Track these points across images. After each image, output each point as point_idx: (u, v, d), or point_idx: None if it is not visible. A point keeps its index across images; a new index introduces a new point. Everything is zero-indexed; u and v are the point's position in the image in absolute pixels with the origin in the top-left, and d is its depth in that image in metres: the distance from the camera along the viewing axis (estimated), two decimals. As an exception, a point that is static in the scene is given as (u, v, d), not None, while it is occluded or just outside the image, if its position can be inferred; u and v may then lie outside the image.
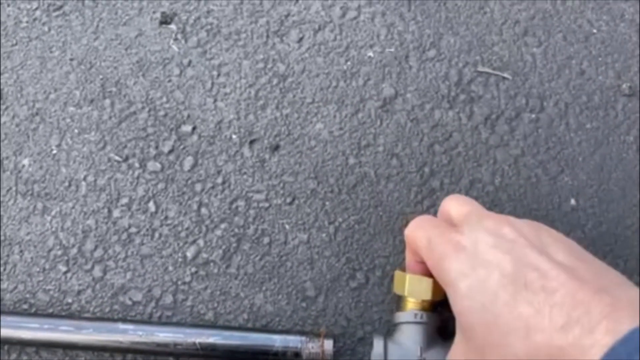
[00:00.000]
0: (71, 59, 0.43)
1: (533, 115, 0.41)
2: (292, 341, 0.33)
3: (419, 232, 0.30)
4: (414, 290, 0.33)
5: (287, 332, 0.34)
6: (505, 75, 0.42)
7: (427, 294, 0.32)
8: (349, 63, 0.43)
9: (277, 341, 0.33)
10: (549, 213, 0.39)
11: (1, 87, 0.42)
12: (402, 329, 0.33)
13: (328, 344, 0.33)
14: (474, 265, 0.26)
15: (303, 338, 0.33)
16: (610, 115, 0.41)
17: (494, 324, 0.24)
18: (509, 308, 0.24)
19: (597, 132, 0.41)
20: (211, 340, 0.33)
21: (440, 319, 0.34)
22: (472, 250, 0.27)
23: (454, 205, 0.31)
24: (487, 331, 0.25)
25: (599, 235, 0.38)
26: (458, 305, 0.26)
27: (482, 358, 0.26)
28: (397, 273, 0.34)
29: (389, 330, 0.35)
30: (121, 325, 0.34)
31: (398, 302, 0.35)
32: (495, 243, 0.26)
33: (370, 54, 0.43)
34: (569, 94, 0.42)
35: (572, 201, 0.39)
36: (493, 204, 0.39)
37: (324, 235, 0.38)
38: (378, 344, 0.32)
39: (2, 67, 0.43)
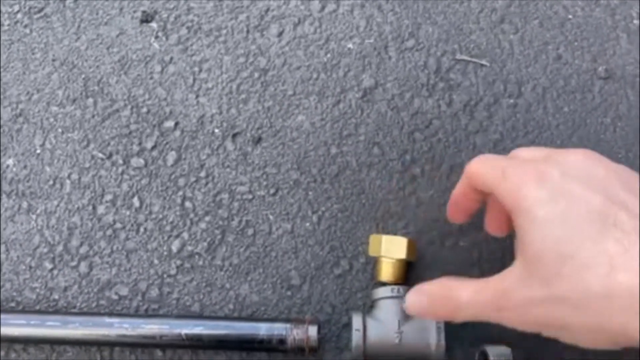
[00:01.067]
0: (53, 60, 0.44)
1: (511, 101, 0.42)
2: (277, 328, 0.34)
3: (488, 163, 0.30)
4: (389, 250, 0.33)
5: (272, 320, 0.35)
6: (483, 62, 0.43)
7: (402, 253, 0.33)
8: (329, 55, 0.44)
9: (262, 329, 0.34)
10: (529, 195, 0.39)
11: (-16, 89, 0.43)
12: (380, 304, 0.33)
13: (312, 330, 0.33)
14: (557, 196, 0.25)
15: (288, 325, 0.34)
16: (588, 98, 0.42)
17: (570, 256, 0.23)
18: (592, 243, 0.23)
19: (574, 115, 0.42)
20: (197, 330, 0.34)
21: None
22: (558, 181, 0.26)
23: (525, 150, 0.31)
24: (560, 262, 0.24)
25: (578, 216, 0.39)
26: (530, 233, 0.25)
27: (546, 288, 0.24)
28: (373, 236, 0.35)
29: (367, 308, 0.35)
30: (107, 319, 0.34)
31: (376, 272, 0.35)
32: (584, 177, 0.26)
33: (350, 45, 0.44)
34: (546, 78, 0.43)
35: (552, 183, 0.39)
36: (474, 189, 0.39)
37: (307, 224, 0.39)
38: (357, 320, 0.33)
39: (-16, 70, 0.44)
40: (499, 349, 0.33)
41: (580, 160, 0.27)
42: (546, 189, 0.26)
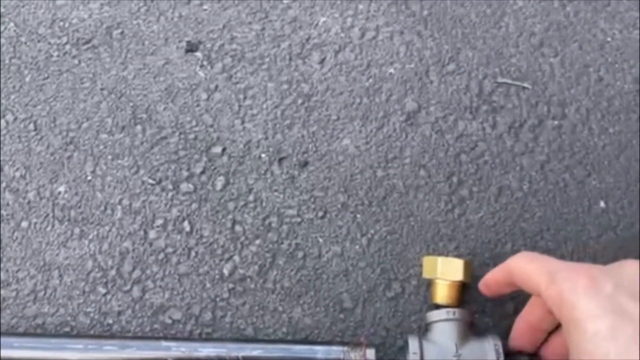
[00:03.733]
0: (102, 89, 0.46)
1: (555, 122, 0.43)
2: (334, 352, 0.34)
3: (535, 263, 0.30)
4: (446, 271, 0.34)
5: (328, 343, 0.35)
6: (525, 85, 0.45)
7: (458, 275, 0.34)
8: (370, 80, 0.46)
9: (320, 352, 0.34)
10: (580, 216, 0.40)
11: (35, 118, 0.45)
12: (436, 327, 0.34)
13: (370, 354, 0.34)
14: (608, 310, 0.25)
15: (345, 348, 0.34)
16: (632, 119, 0.43)
17: None
18: None
19: (620, 135, 0.43)
20: (255, 353, 0.35)
21: (472, 315, 0.35)
22: (610, 294, 0.26)
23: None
24: None
25: (631, 237, 0.39)
26: (579, 344, 0.26)
27: None
28: (427, 258, 0.36)
29: (422, 330, 0.36)
30: (164, 343, 0.35)
31: (430, 294, 0.36)
32: (638, 292, 0.26)
33: (391, 70, 0.46)
34: (589, 100, 0.44)
35: (602, 203, 0.41)
36: (523, 210, 0.41)
37: (357, 247, 0.40)
38: (413, 344, 0.33)
39: (35, 100, 0.46)
40: (518, 357, 0.33)
41: (635, 273, 0.27)
42: (597, 301, 0.26)
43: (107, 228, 0.41)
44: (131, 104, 0.46)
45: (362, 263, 0.40)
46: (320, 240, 0.41)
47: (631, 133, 0.43)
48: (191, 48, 0.48)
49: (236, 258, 0.40)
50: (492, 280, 0.34)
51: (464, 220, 0.40)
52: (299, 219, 0.41)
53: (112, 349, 0.35)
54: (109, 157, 0.44)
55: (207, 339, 0.37)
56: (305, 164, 0.43)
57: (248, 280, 0.39)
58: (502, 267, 0.33)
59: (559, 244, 0.39)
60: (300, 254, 0.40)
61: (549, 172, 0.42)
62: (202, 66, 0.47)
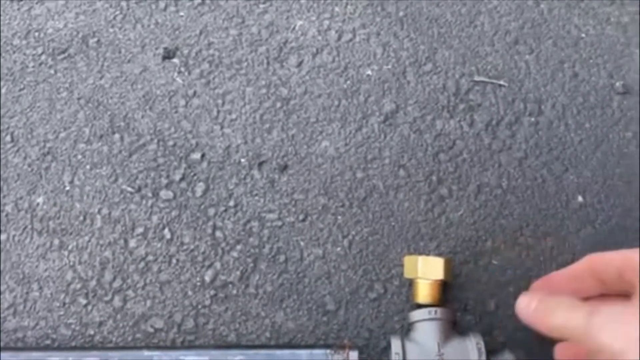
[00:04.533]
0: (79, 98, 0.46)
1: (532, 119, 0.44)
2: (318, 354, 0.34)
3: (565, 314, 0.27)
4: (426, 271, 0.35)
5: (311, 346, 0.35)
6: (502, 82, 0.45)
7: (439, 274, 0.34)
8: (348, 82, 0.46)
9: (303, 355, 0.34)
10: (558, 211, 0.41)
11: (12, 130, 0.45)
12: (418, 327, 0.34)
13: (353, 355, 0.34)
14: None
15: (328, 351, 0.34)
16: (607, 113, 0.44)
17: None
18: None
19: (596, 130, 0.43)
20: (237, 359, 0.35)
21: (454, 314, 0.35)
22: None
23: None
24: None
25: (609, 230, 0.40)
26: None
27: None
28: (408, 257, 0.36)
29: (405, 330, 0.36)
30: (146, 352, 0.35)
31: (412, 294, 0.36)
32: None
33: (369, 72, 0.46)
34: (565, 96, 0.45)
35: (580, 198, 0.41)
36: (502, 207, 0.41)
37: (338, 249, 0.40)
38: (396, 344, 0.33)
39: (12, 111, 0.46)
40: (502, 355, 0.34)
41: None
42: None
43: (86, 238, 0.41)
44: (109, 113, 0.46)
45: (344, 265, 0.40)
46: (302, 243, 0.41)
47: (607, 127, 0.43)
48: (168, 55, 0.48)
49: (217, 264, 0.40)
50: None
51: (444, 218, 0.41)
52: (280, 223, 0.41)
53: (93, 360, 0.35)
54: (87, 166, 0.44)
55: (190, 346, 0.36)
56: (285, 167, 0.43)
57: (230, 286, 0.39)
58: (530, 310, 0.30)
59: (538, 240, 0.40)
60: (282, 258, 0.40)
61: (527, 169, 0.42)
62: (179, 72, 0.47)
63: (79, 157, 0.44)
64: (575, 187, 0.41)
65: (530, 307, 0.29)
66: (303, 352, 0.35)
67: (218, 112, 0.45)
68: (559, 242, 0.40)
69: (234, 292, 0.39)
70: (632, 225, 0.40)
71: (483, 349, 0.33)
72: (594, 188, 0.41)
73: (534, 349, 0.37)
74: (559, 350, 0.34)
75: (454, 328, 0.35)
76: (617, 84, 0.45)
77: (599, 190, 0.41)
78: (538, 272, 0.39)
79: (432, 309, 0.34)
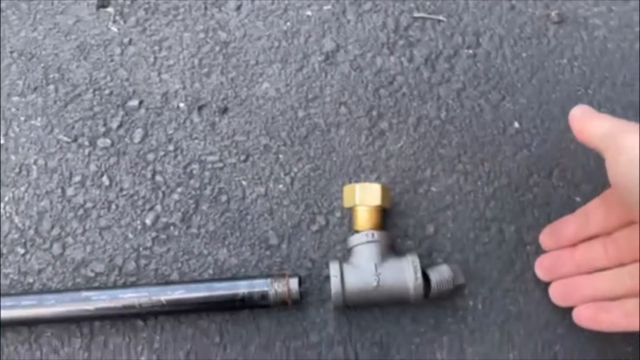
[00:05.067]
0: (11, 52, 0.45)
1: (470, 51, 0.44)
2: (258, 284, 0.35)
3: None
4: (364, 198, 0.35)
5: (251, 277, 0.35)
6: (440, 17, 0.45)
7: (376, 200, 0.35)
8: (288, 23, 0.45)
9: (243, 286, 0.34)
10: (495, 138, 0.41)
11: (-59, 86, 0.44)
12: (356, 250, 0.35)
13: (293, 283, 0.34)
14: None
15: (268, 280, 0.35)
16: (543, 42, 0.44)
17: None
18: None
19: (532, 59, 0.44)
20: (176, 295, 0.34)
21: (391, 237, 0.36)
22: None
23: None
24: None
25: (544, 152, 0.41)
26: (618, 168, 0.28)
27: None
28: (347, 187, 0.36)
29: (345, 256, 0.37)
30: (84, 293, 0.35)
31: (352, 222, 0.37)
32: None
33: (309, 12, 0.46)
34: (502, 28, 0.45)
35: (516, 124, 0.42)
36: (441, 137, 0.41)
37: (281, 186, 0.40)
38: (334, 267, 0.34)
39: (-60, 67, 0.44)
40: (439, 269, 0.34)
41: None
42: None
43: (22, 189, 0.40)
44: (42, 65, 0.44)
45: (287, 201, 0.40)
46: (244, 182, 0.40)
47: (543, 56, 0.44)
48: (102, 4, 0.47)
49: (158, 207, 0.40)
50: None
51: (384, 151, 0.41)
52: (221, 164, 0.41)
53: (30, 304, 0.34)
54: (22, 118, 0.43)
55: (129, 285, 0.36)
56: (225, 110, 0.43)
57: (171, 227, 0.39)
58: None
59: (476, 166, 0.40)
60: (223, 198, 0.40)
61: (465, 99, 0.42)
62: (114, 21, 0.46)
63: (13, 110, 0.43)
64: (511, 114, 0.42)
65: (580, 110, 0.33)
66: (243, 283, 0.35)
67: (155, 58, 0.44)
68: (496, 166, 0.40)
69: (176, 233, 0.39)
70: (566, 147, 0.41)
71: (418, 267, 0.34)
72: (530, 114, 0.42)
73: (472, 269, 0.38)
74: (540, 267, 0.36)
75: (392, 251, 0.36)
76: (553, 13, 0.45)
77: (535, 116, 0.42)
78: (475, 195, 0.40)
79: (370, 232, 0.35)
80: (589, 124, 0.31)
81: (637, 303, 0.31)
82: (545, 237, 0.36)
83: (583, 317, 0.33)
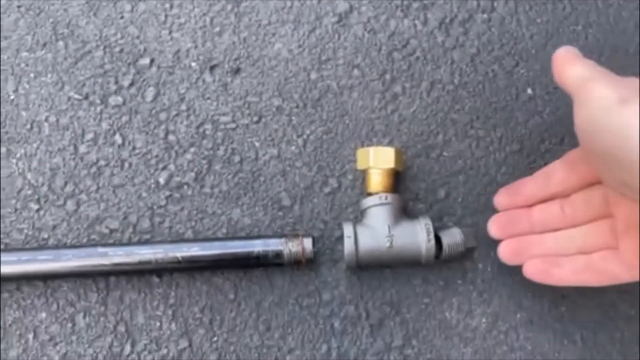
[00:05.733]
0: (19, 6, 0.44)
1: (485, 16, 0.44)
2: (273, 243, 0.35)
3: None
4: (378, 160, 0.35)
5: (266, 236, 0.36)
6: (455, -20, 0.45)
7: (390, 162, 0.35)
8: (301, -17, 0.45)
9: (258, 245, 0.35)
10: (508, 104, 0.41)
11: (-53, 39, 0.43)
12: (370, 212, 0.35)
13: (307, 242, 0.35)
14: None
15: (282, 240, 0.35)
16: (559, 8, 0.44)
17: None
18: None
19: (547, 25, 0.44)
20: (192, 252, 0.35)
21: (404, 200, 0.36)
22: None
23: None
24: None
25: (556, 119, 0.41)
26: (587, 112, 0.28)
27: None
28: (360, 150, 0.37)
29: (358, 218, 0.37)
30: (100, 249, 0.35)
31: (365, 184, 0.37)
32: None
33: (322, -28, 0.45)
34: (517, -8, 0.44)
35: (529, 90, 0.42)
36: (454, 101, 0.41)
37: (293, 148, 0.40)
38: (347, 228, 0.34)
39: (-54, 20, 0.43)
40: (451, 231, 0.35)
41: None
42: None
43: (34, 145, 0.40)
44: (51, 20, 0.44)
45: (299, 163, 0.40)
46: (257, 144, 0.40)
47: (558, 22, 0.43)
48: (111, -41, 0.45)
49: (171, 166, 0.40)
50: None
51: (397, 115, 0.41)
52: (233, 125, 0.41)
53: (47, 259, 0.35)
54: (32, 74, 0.42)
55: (146, 242, 0.37)
56: (238, 70, 0.42)
57: (185, 187, 0.39)
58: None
59: (488, 131, 0.40)
60: (236, 159, 0.40)
61: (478, 64, 0.42)
62: (124, -23, 0.45)
63: (22, 65, 0.42)
64: (525, 81, 0.42)
65: (564, 53, 0.32)
66: (258, 242, 0.35)
67: (166, 16, 0.44)
68: (508, 132, 0.40)
69: (189, 192, 0.39)
70: (578, 115, 0.41)
71: (431, 229, 0.34)
72: (543, 81, 0.42)
73: (482, 233, 0.38)
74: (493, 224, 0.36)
75: (404, 214, 0.36)
76: (569, -21, 0.44)
77: (548, 83, 0.42)
78: (487, 161, 0.40)
79: (383, 195, 0.35)
80: (568, 67, 0.30)
81: (587, 260, 0.32)
82: (502, 197, 0.36)
83: (534, 270, 0.33)
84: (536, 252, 0.34)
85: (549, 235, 0.34)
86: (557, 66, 0.32)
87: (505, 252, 0.35)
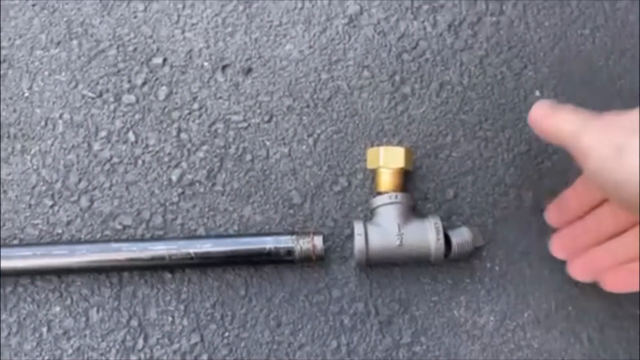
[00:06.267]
0: (33, 5, 0.45)
1: (494, 19, 0.44)
2: (284, 240, 0.36)
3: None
4: (388, 160, 0.36)
5: (278, 233, 0.36)
6: (464, -17, 0.45)
7: (400, 162, 0.35)
8: (312, -15, 0.45)
9: (269, 242, 0.36)
10: (516, 106, 0.42)
11: (-37, 37, 0.43)
12: (380, 211, 0.36)
13: (318, 240, 0.36)
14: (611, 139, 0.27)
15: (293, 237, 0.36)
16: (566, 12, 0.45)
17: None
18: None
19: (555, 28, 0.44)
20: (205, 248, 0.35)
21: (413, 199, 0.37)
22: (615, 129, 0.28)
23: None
24: None
25: (564, 121, 0.41)
26: (588, 170, 0.28)
27: None
28: (371, 149, 0.37)
29: (368, 216, 0.38)
30: (114, 244, 0.36)
31: (375, 183, 0.37)
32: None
33: (332, -26, 0.46)
34: (526, -5, 0.45)
35: (537, 93, 0.42)
36: (463, 103, 0.42)
37: (304, 147, 0.41)
38: (358, 226, 0.35)
39: (-39, 18, 0.44)
40: (459, 230, 0.35)
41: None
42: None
43: (49, 142, 0.41)
44: (65, 19, 0.44)
45: (310, 162, 0.40)
46: (268, 143, 0.41)
47: (565, 25, 0.44)
48: (124, -41, 0.46)
49: (184, 164, 0.40)
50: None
51: (406, 115, 0.42)
52: (245, 124, 0.41)
53: (62, 253, 0.35)
54: (46, 72, 0.43)
55: (158, 238, 0.37)
56: (249, 70, 0.43)
57: (197, 184, 0.40)
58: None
59: (496, 132, 0.41)
60: (248, 157, 0.41)
61: (487, 66, 0.43)
62: (137, -23, 0.45)
63: (37, 63, 0.43)
64: (533, 83, 0.42)
65: (539, 110, 0.32)
66: (269, 239, 0.36)
67: (178, 16, 0.44)
68: (516, 133, 0.41)
69: (201, 189, 0.40)
70: (585, 117, 0.41)
71: (440, 228, 0.35)
72: (551, 83, 0.42)
73: (490, 232, 0.39)
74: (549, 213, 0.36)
75: (413, 212, 0.37)
76: (577, -17, 0.45)
77: (556, 85, 0.42)
78: (495, 161, 0.40)
79: (393, 194, 0.36)
80: (549, 124, 0.31)
81: None
82: (552, 214, 0.37)
83: (616, 283, 0.33)
84: (607, 264, 0.33)
85: (612, 243, 0.33)
86: (536, 125, 0.32)
87: (578, 274, 0.34)
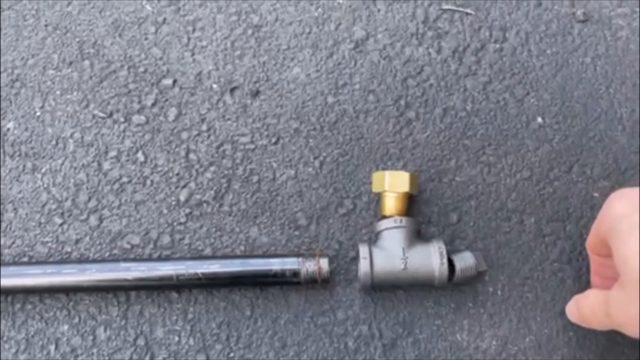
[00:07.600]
0: (46, 25, 0.46)
1: (497, 46, 0.45)
2: (290, 262, 0.36)
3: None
4: (393, 184, 0.36)
5: (284, 255, 0.37)
6: (469, 10, 0.47)
7: (405, 186, 0.36)
8: (319, 10, 0.46)
9: (276, 264, 0.36)
10: (519, 132, 0.43)
11: (-23, 56, 0.44)
12: (385, 235, 0.36)
13: (324, 262, 0.36)
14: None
15: (300, 259, 0.36)
16: (568, 40, 0.46)
17: None
18: None
19: (557, 56, 0.45)
20: (213, 268, 0.36)
21: (418, 223, 0.38)
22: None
23: None
24: None
25: (565, 148, 0.42)
26: (619, 245, 0.29)
27: None
28: (376, 173, 0.38)
29: (373, 239, 0.38)
30: (123, 264, 0.36)
31: (380, 207, 0.38)
32: None
33: (340, 0, 0.47)
34: (528, 24, 0.46)
35: (539, 119, 0.43)
36: (467, 128, 0.43)
37: (310, 169, 0.42)
38: (364, 250, 0.35)
39: (-24, 38, 0.45)
40: (463, 255, 0.36)
41: None
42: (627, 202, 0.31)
43: (59, 161, 0.42)
44: (77, 40, 0.45)
45: (316, 184, 0.41)
46: (274, 164, 0.42)
47: (567, 53, 0.45)
48: (137, -18, 0.47)
49: (192, 185, 0.41)
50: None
51: (411, 140, 0.42)
52: (252, 146, 0.42)
53: (71, 272, 0.36)
54: (58, 92, 0.44)
55: (166, 258, 0.38)
56: (257, 93, 0.44)
57: (204, 204, 0.41)
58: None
59: (499, 158, 0.42)
60: (255, 178, 0.41)
61: (490, 93, 0.44)
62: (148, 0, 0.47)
63: (49, 83, 0.44)
64: (535, 109, 0.43)
65: (571, 308, 0.36)
66: (275, 261, 0.36)
67: (189, 39, 0.45)
68: (519, 159, 0.42)
69: (209, 210, 0.40)
70: (586, 144, 0.42)
71: (444, 252, 0.36)
72: (553, 110, 0.43)
73: (492, 257, 0.40)
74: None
75: (418, 236, 0.37)
76: (578, 12, 0.46)
77: (558, 112, 0.43)
78: (497, 187, 0.41)
79: (398, 218, 0.36)
80: (581, 315, 0.34)
81: None
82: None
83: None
84: None
85: None
86: (575, 317, 0.35)
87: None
